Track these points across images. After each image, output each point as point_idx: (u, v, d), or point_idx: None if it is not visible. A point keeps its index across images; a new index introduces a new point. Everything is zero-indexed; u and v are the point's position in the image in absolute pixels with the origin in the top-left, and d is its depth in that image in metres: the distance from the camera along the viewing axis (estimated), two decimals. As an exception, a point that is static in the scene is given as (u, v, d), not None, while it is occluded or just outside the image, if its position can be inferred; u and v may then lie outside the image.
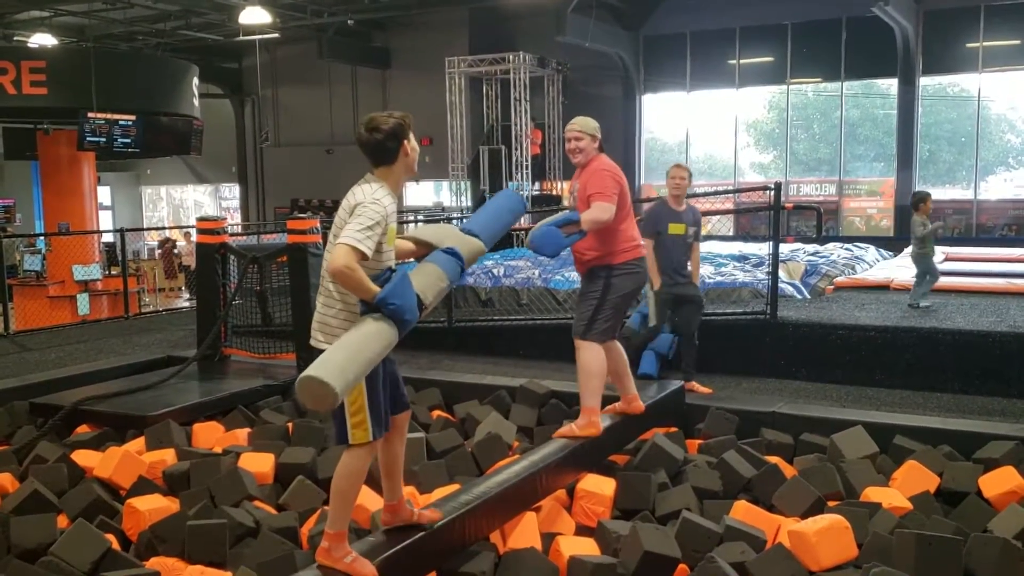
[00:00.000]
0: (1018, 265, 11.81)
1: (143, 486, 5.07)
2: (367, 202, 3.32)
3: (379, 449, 3.68)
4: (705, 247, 13.85)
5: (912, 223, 8.37)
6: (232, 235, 12.24)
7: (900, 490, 4.86)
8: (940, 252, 13.26)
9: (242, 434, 5.98)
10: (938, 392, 6.75)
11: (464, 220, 4.57)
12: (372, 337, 3.25)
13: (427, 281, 3.50)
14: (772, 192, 7.80)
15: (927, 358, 7.00)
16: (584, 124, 5.01)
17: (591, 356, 4.96)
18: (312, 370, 3.08)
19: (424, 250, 3.73)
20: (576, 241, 4.79)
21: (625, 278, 4.98)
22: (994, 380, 6.73)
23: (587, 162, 4.99)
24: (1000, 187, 18.86)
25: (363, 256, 3.25)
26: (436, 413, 6.40)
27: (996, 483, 4.85)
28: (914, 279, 8.68)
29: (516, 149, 19.36)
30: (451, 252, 3.64)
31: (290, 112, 25.50)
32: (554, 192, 20.44)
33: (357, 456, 3.49)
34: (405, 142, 3.46)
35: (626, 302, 5.14)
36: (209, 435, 5.99)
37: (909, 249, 8.69)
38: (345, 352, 3.17)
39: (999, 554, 3.91)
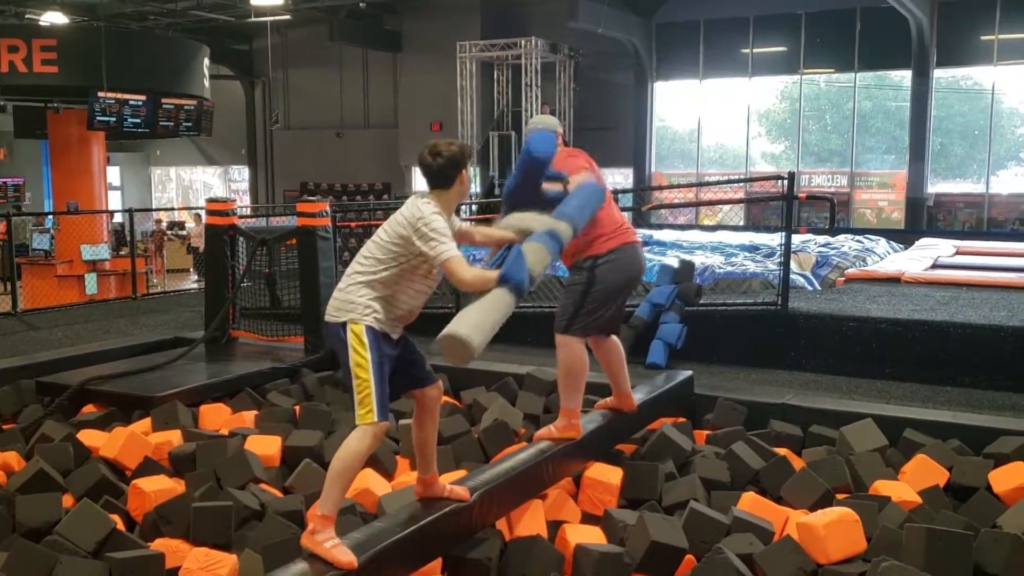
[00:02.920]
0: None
1: (149, 467, 5.07)
2: (429, 215, 3.53)
3: (412, 428, 3.93)
4: (715, 237, 13.84)
5: None
6: (241, 217, 12.23)
7: (909, 484, 4.82)
8: (951, 245, 13.23)
9: (249, 416, 5.97)
10: (948, 386, 6.70)
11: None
12: (499, 301, 3.58)
13: (536, 258, 3.79)
14: (785, 182, 7.75)
15: (938, 352, 6.95)
16: (544, 123, 4.78)
17: (570, 354, 4.66)
18: (453, 327, 3.44)
19: (519, 237, 3.96)
20: (559, 196, 4.53)
21: (611, 267, 4.66)
22: (1005, 375, 6.67)
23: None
24: (1012, 181, 18.76)
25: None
26: (443, 399, 6.37)
27: (1006, 478, 4.81)
28: None
29: (526, 135, 19.29)
30: (553, 236, 3.91)
31: (300, 95, 25.46)
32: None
33: (362, 438, 3.50)
34: (463, 171, 3.68)
35: (615, 295, 4.75)
36: (216, 417, 5.99)
37: None
38: (478, 314, 3.50)
39: (1009, 550, 3.89)
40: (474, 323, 3.46)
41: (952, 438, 5.36)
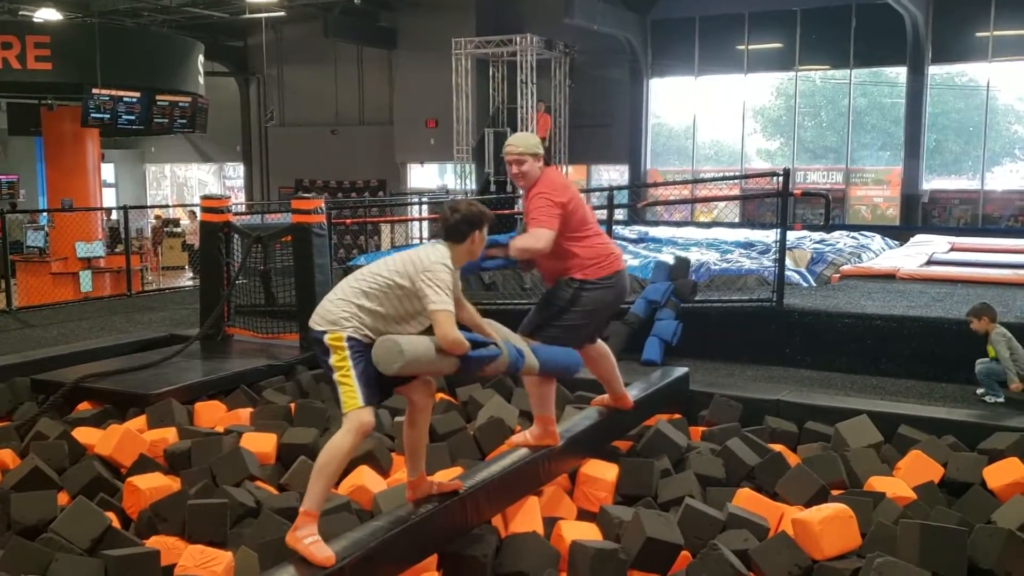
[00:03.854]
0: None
1: (144, 464, 5.06)
2: (435, 266, 3.63)
3: (404, 427, 3.94)
4: (711, 234, 13.85)
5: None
6: (236, 214, 12.21)
7: (904, 480, 4.84)
8: (946, 242, 13.25)
9: (244, 414, 5.96)
10: (943, 382, 6.72)
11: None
12: (445, 360, 3.72)
13: (500, 361, 3.96)
14: (780, 179, 7.76)
15: (933, 348, 6.97)
16: (525, 144, 4.52)
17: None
18: (397, 337, 3.59)
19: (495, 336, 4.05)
20: (500, 267, 4.53)
21: (597, 295, 4.55)
22: (1000, 371, 6.69)
23: (532, 184, 4.51)
24: (1007, 178, 18.76)
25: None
26: (439, 396, 6.38)
27: (1000, 474, 4.83)
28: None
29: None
30: (522, 356, 4.03)
31: (295, 92, 25.40)
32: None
33: (345, 434, 3.52)
34: (476, 232, 3.82)
35: (593, 320, 4.64)
36: (211, 414, 5.98)
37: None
38: (426, 346, 3.63)
39: (1003, 545, 3.90)
40: (421, 351, 3.61)
41: (947, 434, 5.38)
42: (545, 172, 4.57)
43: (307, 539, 3.40)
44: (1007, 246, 12.92)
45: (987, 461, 4.99)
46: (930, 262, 11.10)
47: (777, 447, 5.29)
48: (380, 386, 3.70)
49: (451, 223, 3.80)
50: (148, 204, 27.29)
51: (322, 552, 3.37)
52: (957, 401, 6.22)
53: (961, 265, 10.64)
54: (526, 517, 4.38)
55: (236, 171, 27.80)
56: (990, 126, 18.45)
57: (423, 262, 3.65)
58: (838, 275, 10.03)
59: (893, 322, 7.19)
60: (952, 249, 12.58)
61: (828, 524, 4.04)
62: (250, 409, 6.06)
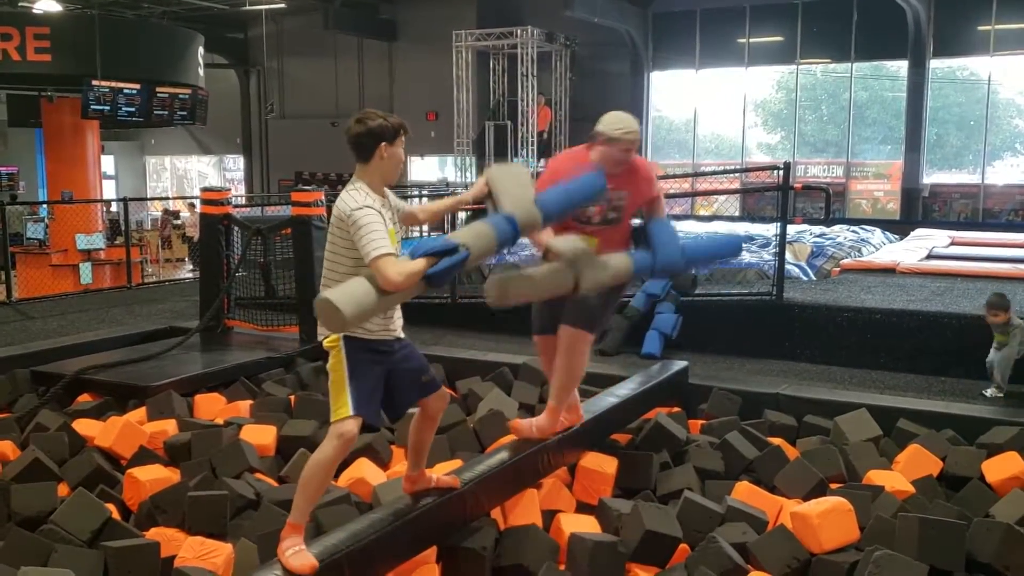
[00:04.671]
0: (1025, 250, 11.73)
1: (144, 456, 5.07)
2: (354, 212, 3.32)
3: (411, 429, 3.86)
4: (711, 227, 13.82)
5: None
6: (236, 207, 12.21)
7: (903, 474, 4.85)
8: (947, 236, 13.25)
9: (244, 406, 5.97)
10: (942, 376, 6.72)
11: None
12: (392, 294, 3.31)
13: (480, 245, 3.44)
14: (781, 172, 7.75)
15: (932, 342, 6.97)
16: (637, 130, 4.33)
17: (582, 356, 4.39)
18: (329, 293, 3.21)
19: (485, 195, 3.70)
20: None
21: None
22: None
23: (626, 168, 4.29)
24: (1007, 172, 18.75)
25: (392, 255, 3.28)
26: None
27: (999, 468, 4.84)
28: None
29: (522, 125, 19.22)
30: (512, 222, 3.54)
31: (295, 84, 25.37)
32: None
33: (329, 445, 3.39)
34: (383, 145, 3.45)
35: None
36: (211, 406, 5.99)
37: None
38: (365, 292, 3.24)
39: (1001, 539, 3.91)
40: (361, 302, 3.23)
41: (946, 428, 5.39)
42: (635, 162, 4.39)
43: (288, 551, 3.32)
44: (1007, 240, 12.90)
45: (986, 455, 5.00)
46: (930, 256, 11.08)
47: (776, 440, 5.30)
48: (392, 401, 3.61)
49: (351, 137, 3.43)
50: (148, 196, 27.26)
51: (298, 560, 3.27)
52: (956, 395, 6.23)
53: (961, 259, 10.63)
54: (525, 510, 4.39)
55: (236, 163, 27.79)
56: (991, 120, 18.44)
57: (343, 209, 3.36)
58: (838, 269, 10.02)
59: (893, 316, 7.20)
60: (952, 243, 12.56)
61: (826, 517, 4.05)
62: (250, 401, 6.07)
